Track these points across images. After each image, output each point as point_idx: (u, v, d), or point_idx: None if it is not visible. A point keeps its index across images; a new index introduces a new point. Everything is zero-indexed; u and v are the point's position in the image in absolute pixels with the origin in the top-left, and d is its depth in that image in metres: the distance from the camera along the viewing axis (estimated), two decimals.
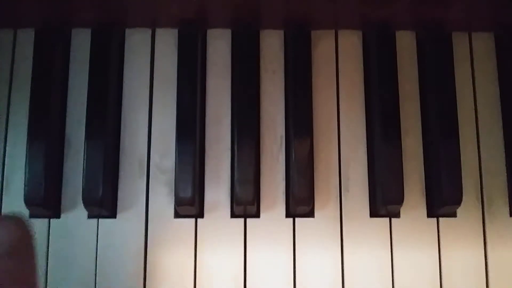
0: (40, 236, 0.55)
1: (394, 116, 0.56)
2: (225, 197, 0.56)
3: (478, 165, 0.58)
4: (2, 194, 0.56)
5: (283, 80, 0.59)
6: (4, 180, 0.56)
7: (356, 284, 0.55)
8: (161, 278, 0.54)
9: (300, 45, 0.58)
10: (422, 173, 0.57)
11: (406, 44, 0.60)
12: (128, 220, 0.55)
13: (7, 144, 0.56)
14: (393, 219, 0.56)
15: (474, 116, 0.59)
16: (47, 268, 0.54)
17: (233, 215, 0.56)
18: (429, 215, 0.56)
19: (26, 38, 0.58)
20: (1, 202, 0.56)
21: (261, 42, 0.59)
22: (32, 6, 0.56)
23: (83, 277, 0.54)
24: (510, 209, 0.57)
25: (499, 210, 0.57)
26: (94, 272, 0.54)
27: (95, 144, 0.54)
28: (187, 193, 0.53)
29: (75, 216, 0.55)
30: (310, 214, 0.56)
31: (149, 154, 0.57)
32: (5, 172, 0.56)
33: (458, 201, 0.54)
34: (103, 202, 0.54)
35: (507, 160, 0.58)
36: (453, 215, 0.56)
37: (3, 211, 0.55)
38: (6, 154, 0.56)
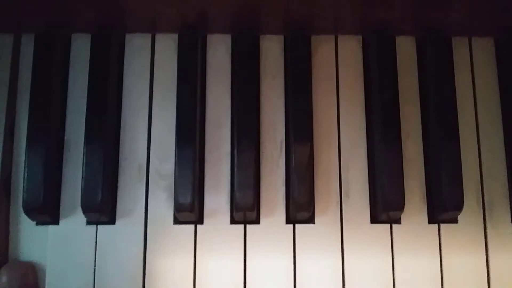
0: (39, 242, 0.55)
1: (394, 121, 0.56)
2: (225, 203, 0.56)
3: (479, 171, 0.58)
4: (10, 200, 0.56)
5: (283, 84, 0.59)
6: (12, 187, 0.56)
7: None
8: (160, 285, 0.54)
9: (300, 50, 0.58)
10: (423, 178, 0.57)
11: (406, 49, 0.60)
12: (127, 226, 0.55)
13: (14, 150, 0.56)
14: (394, 225, 0.56)
15: (474, 121, 0.59)
16: (45, 274, 0.54)
17: (233, 221, 0.56)
18: (430, 221, 0.56)
19: (27, 43, 0.58)
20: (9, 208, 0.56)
21: (261, 47, 0.59)
22: (33, 11, 0.56)
23: (82, 283, 0.54)
24: (511, 215, 0.57)
25: (500, 215, 0.57)
26: (93, 278, 0.54)
27: (95, 149, 0.54)
28: (187, 199, 0.53)
29: (74, 222, 0.55)
30: (310, 220, 0.56)
31: (149, 159, 0.57)
32: (12, 178, 0.56)
33: (459, 207, 0.54)
34: (102, 208, 0.53)
35: (508, 166, 0.58)
36: (454, 221, 0.56)
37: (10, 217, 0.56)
38: (13, 160, 0.56)
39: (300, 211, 0.54)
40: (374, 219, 0.56)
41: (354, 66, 0.59)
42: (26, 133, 0.55)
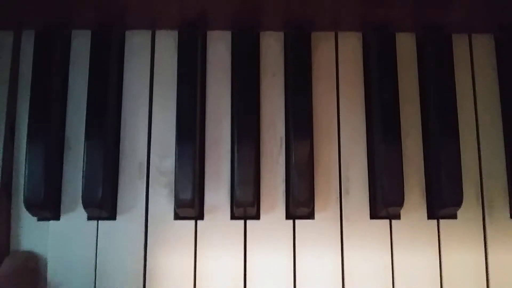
0: (40, 237, 0.55)
1: (394, 118, 0.56)
2: (225, 199, 0.56)
3: (478, 167, 0.58)
4: (11, 196, 0.56)
5: (283, 82, 0.59)
6: (13, 183, 0.56)
7: (357, 286, 0.54)
8: (161, 280, 0.54)
9: (300, 47, 0.58)
10: (422, 174, 0.57)
11: (406, 46, 0.60)
12: (128, 222, 0.55)
13: (14, 146, 0.57)
14: (393, 221, 0.56)
15: (474, 118, 0.59)
16: (47, 270, 0.54)
17: (233, 217, 0.56)
18: (430, 216, 0.56)
19: (27, 40, 0.58)
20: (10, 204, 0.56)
21: (261, 44, 0.59)
22: (33, 8, 0.56)
23: (83, 278, 0.54)
24: (510, 211, 0.57)
25: (500, 211, 0.57)
26: (94, 273, 0.54)
27: (95, 146, 0.54)
28: (187, 195, 0.53)
29: (75, 218, 0.55)
30: (310, 216, 0.56)
31: (149, 156, 0.57)
32: (13, 174, 0.56)
33: (458, 203, 0.54)
34: (103, 204, 0.54)
35: (507, 162, 0.58)
36: (454, 216, 0.56)
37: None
38: (14, 157, 0.56)
39: (299, 207, 0.54)
40: (374, 215, 0.56)
41: (354, 63, 0.59)
42: (26, 129, 0.55)
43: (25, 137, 0.56)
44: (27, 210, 0.54)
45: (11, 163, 0.56)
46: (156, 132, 0.57)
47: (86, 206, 0.53)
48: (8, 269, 0.51)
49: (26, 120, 0.56)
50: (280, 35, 0.60)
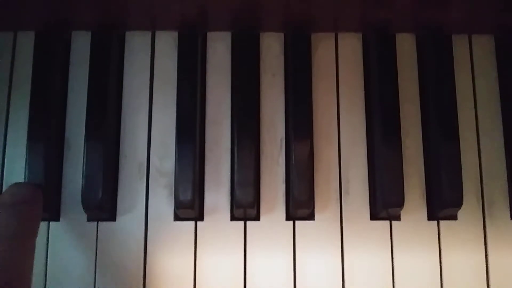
0: (40, 239, 0.55)
1: (394, 119, 0.56)
2: (225, 200, 0.56)
3: (478, 168, 0.58)
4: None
5: (283, 82, 0.59)
6: (4, 183, 0.56)
7: (357, 287, 0.54)
8: (161, 281, 0.54)
9: (300, 47, 0.58)
10: (423, 175, 0.57)
11: (406, 46, 0.60)
12: (127, 223, 0.55)
13: (7, 146, 0.56)
14: (393, 222, 0.56)
15: (474, 118, 0.59)
16: (46, 270, 0.54)
17: (233, 218, 0.56)
18: (430, 217, 0.56)
19: (26, 41, 0.58)
20: None
21: (261, 44, 0.59)
22: (33, 9, 0.56)
23: (82, 280, 0.54)
24: (511, 212, 0.57)
25: (500, 212, 0.57)
26: (93, 275, 0.54)
27: (95, 147, 0.54)
28: (187, 196, 0.53)
29: (75, 219, 0.55)
30: (310, 217, 0.56)
31: (149, 157, 0.57)
32: (4, 174, 0.56)
33: (458, 204, 0.54)
34: (103, 205, 0.53)
35: (507, 163, 0.58)
36: (454, 217, 0.56)
37: None
38: (6, 156, 0.56)
39: (300, 208, 0.54)
40: (374, 216, 0.56)
41: (354, 64, 0.59)
42: (19, 129, 0.56)
43: (19, 137, 0.56)
44: None
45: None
46: (156, 133, 0.57)
47: (86, 207, 0.53)
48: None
49: (19, 119, 0.56)
50: (280, 35, 0.60)
